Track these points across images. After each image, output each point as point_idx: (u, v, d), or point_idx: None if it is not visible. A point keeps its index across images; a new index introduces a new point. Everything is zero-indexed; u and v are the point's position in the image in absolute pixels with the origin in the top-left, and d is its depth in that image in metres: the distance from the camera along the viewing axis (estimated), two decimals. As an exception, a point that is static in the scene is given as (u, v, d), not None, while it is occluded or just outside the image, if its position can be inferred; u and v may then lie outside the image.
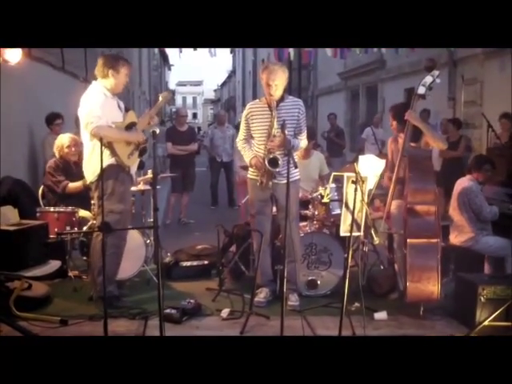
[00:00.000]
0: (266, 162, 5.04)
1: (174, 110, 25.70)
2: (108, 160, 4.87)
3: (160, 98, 5.44)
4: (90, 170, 5.04)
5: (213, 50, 8.72)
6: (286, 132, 4.99)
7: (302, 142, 5.29)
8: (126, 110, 5.25)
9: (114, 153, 4.88)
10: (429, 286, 4.81)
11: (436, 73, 5.25)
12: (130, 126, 5.04)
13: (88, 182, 5.20)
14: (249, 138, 5.34)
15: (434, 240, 4.90)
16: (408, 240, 4.91)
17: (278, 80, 5.05)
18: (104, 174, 4.75)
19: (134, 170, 5.20)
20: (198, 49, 7.72)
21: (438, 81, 5.23)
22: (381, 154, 6.86)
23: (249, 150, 5.30)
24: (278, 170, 5.02)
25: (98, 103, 4.90)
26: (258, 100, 5.41)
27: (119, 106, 5.14)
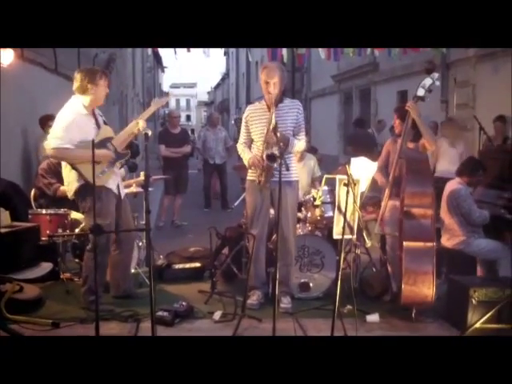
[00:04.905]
0: (264, 157, 5.04)
1: (166, 111, 25.64)
2: (77, 181, 4.93)
3: (152, 104, 5.43)
4: (66, 188, 5.15)
5: (207, 50, 8.71)
6: (284, 133, 5.03)
7: (301, 142, 5.29)
8: (105, 123, 5.22)
9: (80, 174, 4.87)
10: (423, 289, 4.82)
11: (436, 75, 5.28)
12: (102, 143, 4.97)
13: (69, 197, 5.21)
14: (249, 141, 5.35)
15: (430, 244, 4.90)
16: (404, 243, 4.91)
17: (276, 77, 5.10)
18: (79, 193, 4.97)
19: (112, 183, 5.10)
20: (192, 51, 7.66)
21: (437, 83, 5.28)
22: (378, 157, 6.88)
23: (248, 152, 5.30)
24: (275, 165, 4.99)
25: (64, 123, 4.88)
26: (257, 103, 5.44)
27: (97, 122, 5.09)
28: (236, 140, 8.87)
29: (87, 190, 4.85)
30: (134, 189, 5.97)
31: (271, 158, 4.97)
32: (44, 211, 5.95)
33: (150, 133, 4.36)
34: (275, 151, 4.90)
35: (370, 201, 6.25)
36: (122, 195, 5.28)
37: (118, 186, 5.18)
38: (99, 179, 4.85)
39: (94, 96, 5.03)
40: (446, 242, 5.61)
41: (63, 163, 5.03)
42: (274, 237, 5.44)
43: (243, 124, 5.39)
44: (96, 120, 5.09)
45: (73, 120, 4.90)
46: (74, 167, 4.87)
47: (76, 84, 5.01)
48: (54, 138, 4.85)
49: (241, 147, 5.39)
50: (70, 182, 5.01)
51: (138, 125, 5.04)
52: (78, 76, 5.02)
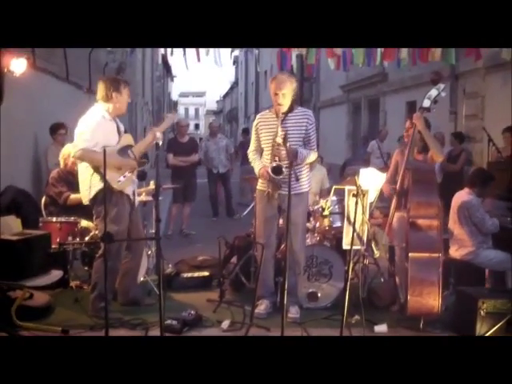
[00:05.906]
0: (270, 170, 5.07)
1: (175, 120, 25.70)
2: (98, 185, 4.92)
3: (166, 119, 5.44)
4: (83, 193, 5.13)
5: (218, 60, 8.74)
6: (292, 143, 5.04)
7: (312, 153, 5.30)
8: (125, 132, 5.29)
9: (102, 178, 4.81)
10: (430, 300, 4.82)
11: (441, 86, 5.25)
12: (123, 150, 5.05)
13: (83, 203, 5.22)
14: (259, 149, 5.36)
15: (436, 255, 4.91)
16: (410, 254, 4.91)
17: (286, 89, 5.08)
18: (96, 198, 4.94)
19: (129, 190, 5.17)
20: (202, 60, 7.69)
21: (443, 94, 5.24)
22: (386, 168, 6.87)
23: (258, 161, 5.32)
24: (281, 177, 5.02)
25: (90, 126, 4.95)
26: (267, 110, 5.41)
27: (118, 129, 5.17)
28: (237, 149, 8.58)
29: (107, 194, 4.90)
30: (143, 197, 5.99)
31: (276, 170, 5.00)
32: (54, 219, 5.98)
33: (160, 142, 4.40)
34: (281, 164, 4.93)
35: (378, 209, 6.26)
36: (136, 203, 5.35)
37: (133, 193, 5.25)
38: (119, 184, 4.96)
39: (118, 104, 5.13)
40: (455, 252, 5.61)
41: (83, 168, 5.03)
42: (283, 246, 5.46)
43: (253, 132, 5.40)
44: (118, 126, 5.18)
45: (98, 124, 4.98)
46: (98, 171, 4.88)
47: (101, 93, 5.10)
48: (83, 140, 4.89)
49: (251, 155, 5.41)
50: (90, 187, 4.98)
51: (157, 136, 5.05)
52: (102, 85, 5.11)
